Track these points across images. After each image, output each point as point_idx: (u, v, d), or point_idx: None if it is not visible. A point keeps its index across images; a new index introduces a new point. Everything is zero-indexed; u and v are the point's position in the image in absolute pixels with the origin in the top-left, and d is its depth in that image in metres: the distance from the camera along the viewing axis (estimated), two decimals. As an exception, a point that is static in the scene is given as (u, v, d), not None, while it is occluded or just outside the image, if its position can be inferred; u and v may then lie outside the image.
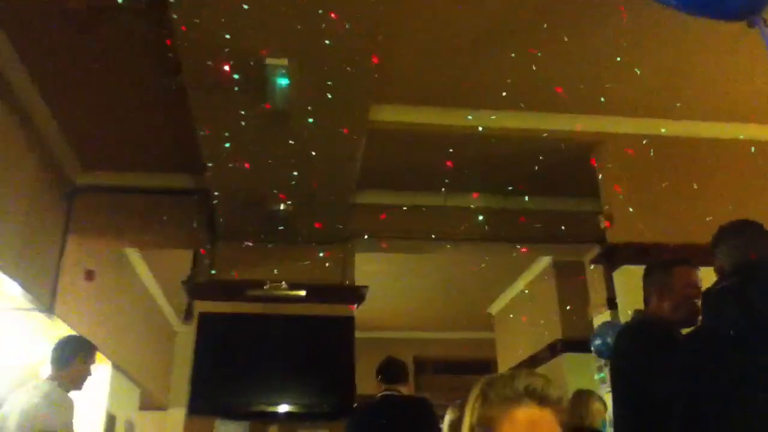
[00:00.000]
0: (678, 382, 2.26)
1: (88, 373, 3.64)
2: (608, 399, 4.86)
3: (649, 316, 2.59)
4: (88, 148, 4.72)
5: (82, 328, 5.18)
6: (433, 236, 5.30)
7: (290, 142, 3.73)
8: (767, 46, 1.22)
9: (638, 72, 3.92)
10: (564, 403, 1.26)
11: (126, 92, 4.02)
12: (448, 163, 4.47)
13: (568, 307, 6.10)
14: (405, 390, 3.92)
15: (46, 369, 4.03)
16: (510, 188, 5.21)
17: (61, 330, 4.98)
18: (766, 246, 2.37)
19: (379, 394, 3.86)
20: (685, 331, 2.51)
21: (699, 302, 2.48)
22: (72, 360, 3.52)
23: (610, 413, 4.90)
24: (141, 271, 6.82)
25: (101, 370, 6.26)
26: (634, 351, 2.47)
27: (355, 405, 3.99)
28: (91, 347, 3.68)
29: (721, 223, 2.64)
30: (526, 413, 1.22)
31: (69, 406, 3.44)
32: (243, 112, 3.45)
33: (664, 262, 2.68)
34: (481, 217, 5.16)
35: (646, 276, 2.67)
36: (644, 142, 4.48)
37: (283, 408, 4.75)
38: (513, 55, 3.80)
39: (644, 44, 3.77)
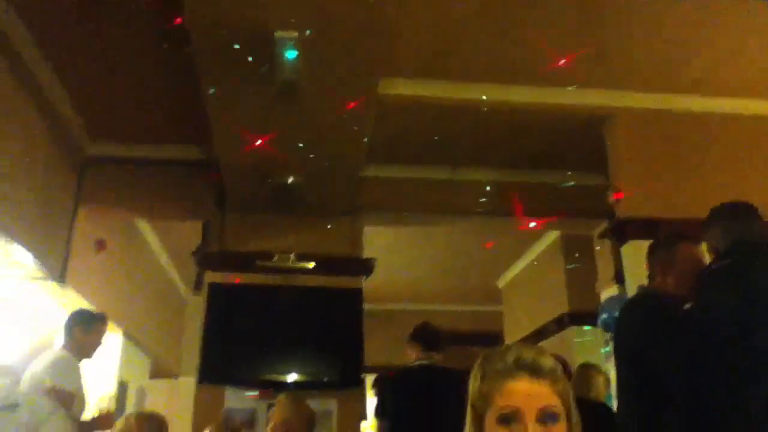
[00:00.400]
0: (677, 357, 2.29)
1: (93, 343, 3.96)
2: (613, 373, 4.92)
3: (653, 290, 2.62)
4: (99, 119, 4.73)
5: (93, 297, 5.25)
6: (441, 209, 5.30)
7: (299, 114, 3.72)
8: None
9: (651, 45, 3.88)
10: (559, 372, 1.26)
11: (137, 63, 4.01)
12: (458, 137, 4.46)
13: (575, 282, 6.11)
14: (439, 358, 3.83)
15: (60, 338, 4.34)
16: (519, 162, 5.19)
17: (73, 299, 5.06)
18: (759, 228, 2.39)
19: (417, 362, 3.77)
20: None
21: None
22: (71, 331, 3.86)
23: (614, 387, 4.96)
24: (151, 241, 6.88)
25: (112, 338, 6.35)
26: (637, 325, 2.50)
27: (391, 372, 3.89)
28: (90, 319, 3.96)
29: (728, 200, 2.66)
30: (518, 386, 1.23)
31: (75, 372, 3.74)
32: (252, 84, 3.44)
33: (667, 239, 2.71)
34: (488, 191, 5.17)
35: (651, 252, 2.71)
36: (655, 116, 4.46)
37: (292, 377, 4.81)
38: (524, 28, 3.77)
39: (658, 17, 3.72)
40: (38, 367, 3.66)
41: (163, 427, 3.25)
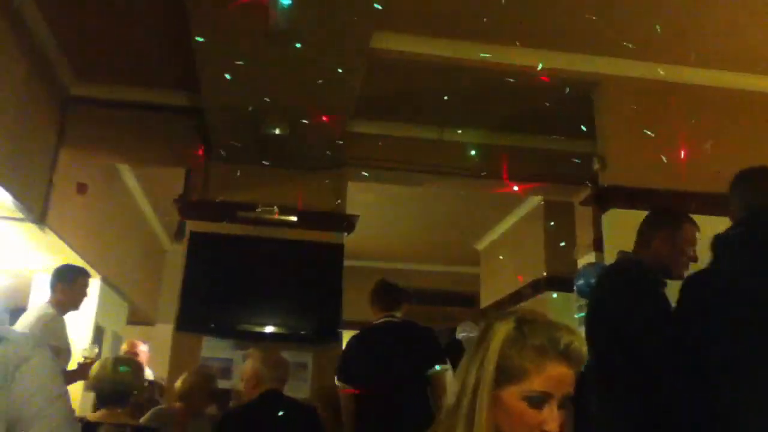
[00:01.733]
0: (674, 329, 2.28)
1: (77, 297, 4.17)
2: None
3: (643, 258, 2.64)
4: (85, 59, 4.62)
5: (72, 240, 5.22)
6: (426, 169, 5.30)
7: (288, 64, 3.67)
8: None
9: (642, 13, 3.86)
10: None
11: (127, 2, 3.92)
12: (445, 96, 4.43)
13: (554, 246, 6.18)
14: (400, 314, 3.85)
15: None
16: (507, 125, 5.19)
17: (52, 241, 5.02)
18: None
19: (380, 320, 3.78)
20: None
21: (691, 261, 2.63)
22: (54, 287, 4.06)
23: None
24: (133, 188, 6.83)
25: (90, 283, 6.34)
26: (625, 293, 2.50)
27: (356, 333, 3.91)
28: (72, 275, 4.15)
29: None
30: (559, 370, 1.21)
31: (60, 327, 4.00)
32: (243, 30, 3.39)
33: (675, 214, 2.76)
34: (474, 153, 5.17)
35: (653, 221, 2.74)
36: (645, 86, 4.45)
37: (269, 329, 4.85)
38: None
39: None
40: (24, 322, 3.86)
41: (139, 371, 3.29)
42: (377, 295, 3.88)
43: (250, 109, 4.18)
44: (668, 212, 2.80)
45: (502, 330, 1.24)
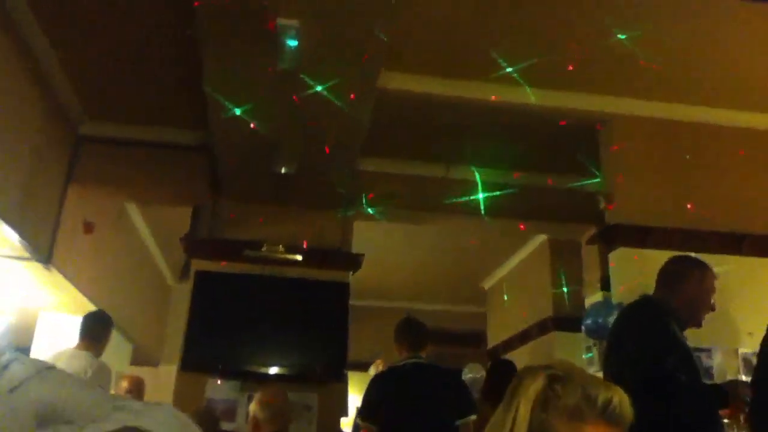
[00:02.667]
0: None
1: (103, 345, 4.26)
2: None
3: (661, 300, 2.70)
4: (95, 98, 4.67)
5: (78, 279, 5.21)
6: (433, 207, 5.31)
7: (297, 103, 3.71)
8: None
9: (648, 53, 3.90)
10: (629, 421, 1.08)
11: (136, 42, 3.98)
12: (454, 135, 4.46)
13: (561, 285, 6.14)
14: (424, 354, 3.72)
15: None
16: (513, 163, 5.21)
17: (58, 280, 5.01)
18: None
19: (406, 361, 3.63)
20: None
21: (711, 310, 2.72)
22: (104, 333, 4.22)
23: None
24: (140, 225, 6.83)
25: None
26: (639, 329, 2.54)
27: (379, 372, 3.78)
28: (111, 322, 4.34)
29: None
30: None
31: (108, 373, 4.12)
32: (252, 70, 3.43)
33: (701, 261, 2.83)
34: (481, 191, 5.18)
35: (680, 265, 2.81)
36: (651, 124, 4.48)
37: (274, 369, 4.80)
38: (525, 29, 3.79)
39: (660, 24, 3.74)
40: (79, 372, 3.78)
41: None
42: (403, 334, 3.72)
43: (258, 147, 4.21)
44: (693, 261, 2.85)
45: (532, 390, 1.09)
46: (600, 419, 1.05)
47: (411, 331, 3.73)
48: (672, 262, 2.85)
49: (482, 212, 5.22)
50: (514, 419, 1.09)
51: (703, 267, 2.76)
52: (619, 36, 3.63)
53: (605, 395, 1.06)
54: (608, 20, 3.68)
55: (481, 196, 5.14)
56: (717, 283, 2.77)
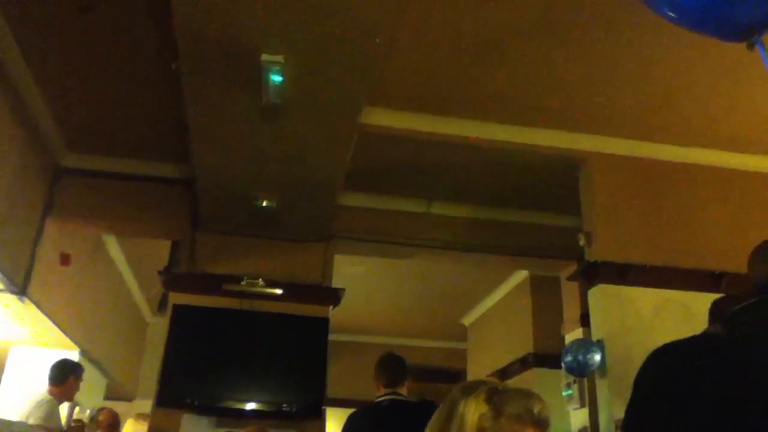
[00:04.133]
0: None
1: (68, 393, 4.60)
2: (577, 415, 4.92)
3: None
4: (76, 130, 4.65)
5: (53, 312, 5.12)
6: (414, 243, 5.31)
7: (279, 138, 3.72)
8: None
9: (627, 92, 3.98)
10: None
11: (118, 76, 3.98)
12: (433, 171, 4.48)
13: (541, 322, 6.15)
14: (405, 391, 3.62)
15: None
16: (493, 200, 5.25)
17: (32, 313, 4.93)
18: None
19: (382, 397, 3.52)
20: None
21: None
22: (66, 379, 4.53)
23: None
24: (117, 258, 6.76)
25: (68, 356, 6.19)
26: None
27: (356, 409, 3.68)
28: (63, 376, 4.56)
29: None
30: None
31: (55, 409, 4.40)
32: (236, 105, 3.44)
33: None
34: (462, 227, 5.20)
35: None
36: (630, 163, 4.54)
37: (251, 405, 4.72)
38: (506, 68, 3.85)
39: (639, 65, 3.82)
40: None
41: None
42: (381, 369, 3.62)
43: (239, 181, 4.21)
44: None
45: (473, 405, 1.31)
46: (536, 425, 1.30)
47: (388, 366, 3.64)
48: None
49: (463, 248, 5.23)
50: (460, 426, 1.31)
51: None
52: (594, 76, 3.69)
53: (539, 405, 1.32)
54: (589, 62, 3.76)
55: (461, 231, 5.16)
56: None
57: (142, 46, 3.67)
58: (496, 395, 1.32)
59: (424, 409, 3.61)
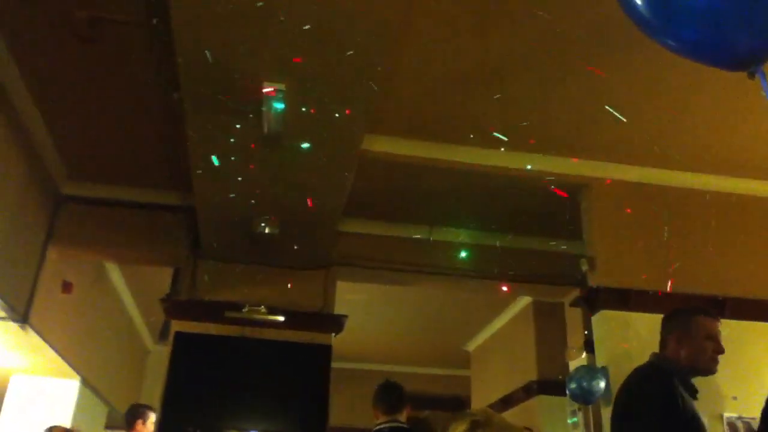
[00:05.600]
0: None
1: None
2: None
3: (664, 361, 2.63)
4: (78, 158, 4.68)
5: (54, 340, 5.11)
6: (416, 269, 5.29)
7: (280, 166, 3.74)
8: (768, 97, 1.23)
9: (628, 119, 3.99)
10: None
11: (120, 105, 4.01)
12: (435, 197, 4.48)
13: (545, 349, 6.11)
14: (404, 418, 3.60)
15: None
16: (495, 226, 5.24)
17: (34, 341, 4.91)
18: None
19: (381, 425, 3.51)
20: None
21: (716, 353, 2.59)
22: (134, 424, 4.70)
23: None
24: (119, 286, 6.75)
25: (68, 385, 6.16)
26: (643, 396, 2.50)
27: None
28: (146, 412, 4.76)
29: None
30: None
31: None
32: (237, 133, 3.46)
33: (686, 309, 2.76)
34: (464, 253, 5.19)
35: (667, 320, 2.73)
36: (632, 189, 4.55)
37: (254, 433, 4.69)
38: (506, 94, 3.87)
39: (640, 91, 3.84)
40: None
41: None
42: (379, 397, 3.63)
43: (240, 208, 4.22)
44: (678, 311, 2.77)
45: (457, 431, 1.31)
46: None
47: (386, 394, 3.64)
48: (666, 318, 2.77)
49: (466, 274, 5.22)
50: None
51: (688, 317, 2.68)
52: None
53: None
54: (589, 88, 3.78)
55: (464, 257, 5.14)
56: (716, 326, 2.65)
57: (144, 75, 3.70)
58: (478, 428, 1.31)
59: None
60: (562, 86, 3.77)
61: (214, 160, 3.63)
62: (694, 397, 2.53)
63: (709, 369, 2.59)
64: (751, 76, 1.41)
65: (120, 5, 3.23)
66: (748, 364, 4.06)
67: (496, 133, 3.93)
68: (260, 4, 2.66)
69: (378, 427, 3.53)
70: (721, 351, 2.60)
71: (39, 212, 4.67)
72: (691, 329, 2.61)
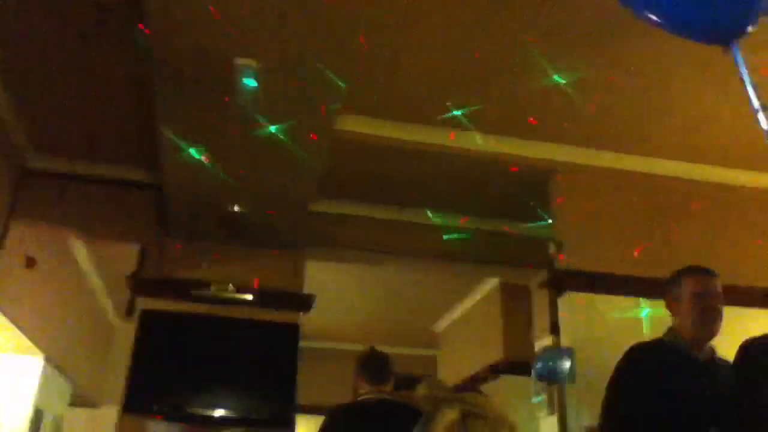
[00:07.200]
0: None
1: None
2: (546, 422, 4.95)
3: (666, 334, 2.51)
4: (43, 131, 4.57)
5: (17, 317, 5.01)
6: (385, 249, 5.30)
7: (252, 142, 3.70)
8: (741, 73, 1.24)
9: (602, 103, 4.03)
10: None
11: (88, 78, 3.92)
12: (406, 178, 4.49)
13: (512, 330, 6.18)
14: (389, 389, 3.24)
15: None
16: (465, 207, 5.27)
17: (-5, 318, 4.81)
18: None
19: (366, 396, 3.16)
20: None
21: (713, 312, 2.40)
22: None
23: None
24: (83, 262, 6.64)
25: (32, 362, 6.06)
26: (625, 372, 2.44)
27: (336, 407, 3.40)
28: None
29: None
30: None
31: None
32: (207, 109, 3.41)
33: (673, 274, 2.56)
34: (433, 234, 5.20)
35: (663, 292, 2.57)
36: (600, 173, 4.61)
37: (219, 412, 4.67)
38: (477, 77, 3.87)
39: (613, 75, 3.86)
40: None
41: None
42: (366, 365, 3.28)
43: (209, 186, 4.17)
44: (667, 278, 2.58)
45: (447, 419, 1.31)
46: None
47: (373, 363, 3.30)
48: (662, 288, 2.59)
49: (435, 255, 5.24)
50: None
51: (672, 281, 2.51)
52: (558, 80, 3.73)
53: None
54: (560, 70, 3.79)
55: (433, 238, 5.16)
56: (708, 282, 2.45)
57: (113, 47, 3.62)
58: (469, 417, 1.31)
59: (415, 416, 3.44)
60: (533, 69, 3.77)
61: (182, 145, 3.58)
62: (701, 371, 2.37)
63: (704, 332, 2.39)
64: (726, 50, 1.42)
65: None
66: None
67: (456, 112, 3.94)
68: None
69: (363, 398, 3.21)
70: (710, 308, 2.39)
71: (2, 186, 4.56)
72: (680, 294, 2.46)
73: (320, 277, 5.89)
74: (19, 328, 5.13)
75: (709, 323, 2.39)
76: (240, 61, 3.05)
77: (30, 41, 3.66)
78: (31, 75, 3.97)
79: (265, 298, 4.95)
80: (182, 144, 3.67)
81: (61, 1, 3.25)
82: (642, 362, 2.43)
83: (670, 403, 2.27)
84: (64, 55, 3.74)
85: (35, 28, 3.54)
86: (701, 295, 2.42)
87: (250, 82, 3.11)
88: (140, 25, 2.96)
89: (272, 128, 3.52)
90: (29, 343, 5.57)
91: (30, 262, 5.05)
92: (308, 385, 5.02)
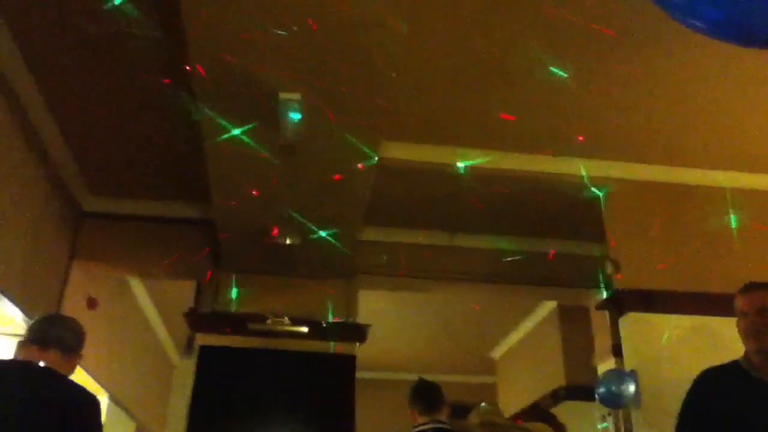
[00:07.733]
0: None
1: None
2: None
3: (741, 359, 2.40)
4: (97, 173, 4.74)
5: (83, 358, 5.12)
6: (438, 276, 5.26)
7: (300, 175, 3.73)
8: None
9: (651, 118, 3.95)
10: None
11: (138, 119, 4.05)
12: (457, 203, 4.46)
13: (572, 354, 6.03)
14: (444, 417, 3.31)
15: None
16: (518, 230, 5.20)
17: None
18: None
19: (422, 426, 3.23)
20: None
21: (747, 330, 2.31)
22: None
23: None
24: (143, 301, 6.78)
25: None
26: (687, 397, 2.44)
27: None
28: None
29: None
30: None
31: None
32: (255, 144, 3.47)
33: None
34: (485, 258, 5.14)
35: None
36: (653, 188, 4.50)
37: (280, 446, 4.67)
38: (523, 96, 3.84)
39: (658, 89, 3.79)
40: None
41: None
42: (417, 396, 3.38)
43: (261, 220, 4.22)
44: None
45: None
46: None
47: (424, 393, 3.39)
48: None
49: (489, 280, 5.18)
50: None
51: (738, 292, 2.40)
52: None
53: None
54: (606, 87, 3.74)
55: (485, 262, 5.11)
56: (755, 297, 2.32)
57: (162, 87, 3.73)
58: (486, 427, 1.30)
59: None
60: (577, 86, 3.72)
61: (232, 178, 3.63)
62: (764, 392, 2.27)
63: (752, 351, 2.29)
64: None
65: (136, 20, 3.26)
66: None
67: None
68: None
69: (419, 428, 3.28)
70: (753, 326, 2.29)
71: (61, 229, 4.71)
72: (736, 313, 2.36)
73: (374, 306, 5.88)
74: (84, 368, 5.24)
75: (755, 342, 2.30)
76: (284, 95, 3.10)
77: (81, 85, 3.79)
78: (84, 119, 4.11)
79: (320, 329, 4.96)
80: (230, 178, 3.74)
81: (112, 45, 3.36)
82: (701, 386, 2.40)
83: (726, 428, 2.24)
84: (114, 97, 3.87)
85: (86, 72, 3.67)
86: (745, 314, 2.34)
87: (295, 115, 3.16)
88: (196, 66, 3.03)
89: (317, 160, 3.55)
90: (94, 383, 5.69)
91: (91, 303, 5.18)
92: (365, 416, 4.98)
